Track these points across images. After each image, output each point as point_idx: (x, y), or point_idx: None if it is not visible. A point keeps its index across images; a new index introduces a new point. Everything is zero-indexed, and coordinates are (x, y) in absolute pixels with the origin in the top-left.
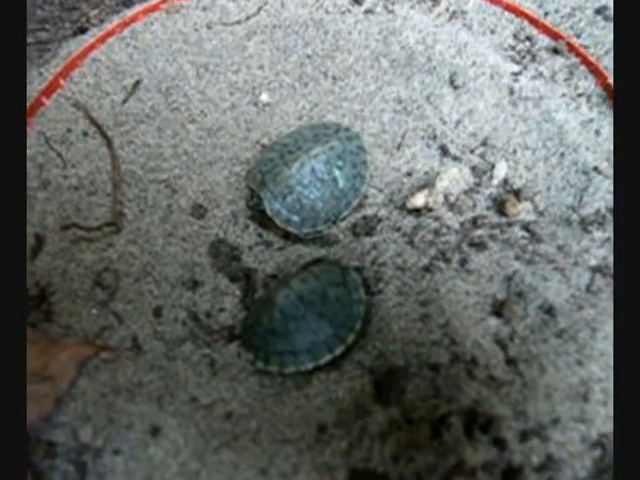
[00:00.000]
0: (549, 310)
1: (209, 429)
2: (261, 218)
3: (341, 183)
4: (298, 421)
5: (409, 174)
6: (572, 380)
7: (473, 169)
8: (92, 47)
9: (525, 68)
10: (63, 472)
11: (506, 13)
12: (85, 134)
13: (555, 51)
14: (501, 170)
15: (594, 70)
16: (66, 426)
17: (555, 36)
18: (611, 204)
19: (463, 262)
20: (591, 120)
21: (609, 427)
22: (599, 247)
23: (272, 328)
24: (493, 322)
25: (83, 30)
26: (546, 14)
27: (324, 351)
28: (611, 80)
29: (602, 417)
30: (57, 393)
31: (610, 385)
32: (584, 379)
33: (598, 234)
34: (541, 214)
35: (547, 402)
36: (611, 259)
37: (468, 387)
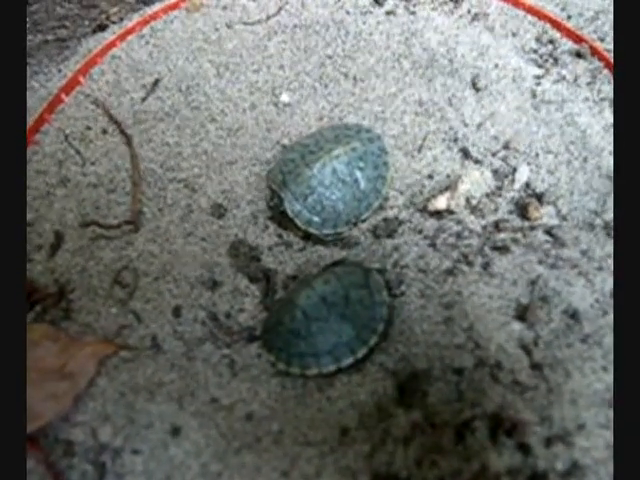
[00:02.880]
0: (574, 315)
1: (230, 430)
2: (281, 219)
3: (362, 184)
4: (320, 423)
5: (430, 177)
6: (598, 386)
7: (495, 172)
8: (112, 45)
9: (548, 72)
10: (82, 472)
11: (529, 16)
12: (104, 132)
13: (578, 55)
14: (523, 174)
15: None
16: (85, 425)
17: (578, 40)
18: None
19: (486, 265)
20: None
21: None
22: None
23: (294, 329)
24: (517, 326)
25: (103, 28)
26: (569, 17)
27: (346, 353)
28: None
29: None
30: (76, 391)
31: None
32: (610, 385)
33: None
34: (564, 218)
35: (572, 408)
36: None
37: (493, 391)
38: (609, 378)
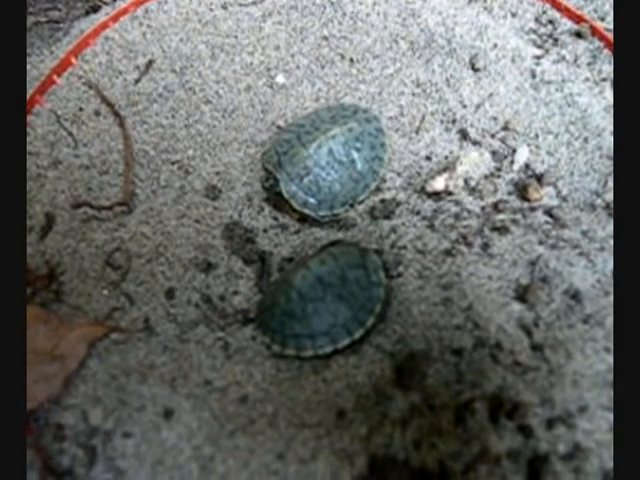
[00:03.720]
0: (575, 295)
1: (224, 413)
2: (277, 200)
3: (359, 165)
4: (316, 406)
5: (428, 158)
6: (600, 367)
7: (494, 154)
8: (105, 25)
9: (547, 52)
10: (72, 456)
11: None
12: (97, 113)
13: (578, 35)
14: (522, 155)
15: None
16: (76, 408)
17: (578, 19)
18: None
19: (485, 246)
20: None
21: None
22: None
23: (289, 310)
24: (517, 307)
25: (96, 9)
26: None
27: (343, 334)
28: None
29: None
30: (66, 373)
31: None
32: (612, 366)
33: None
34: (564, 199)
35: (574, 389)
36: None
37: (493, 372)
38: (611, 359)
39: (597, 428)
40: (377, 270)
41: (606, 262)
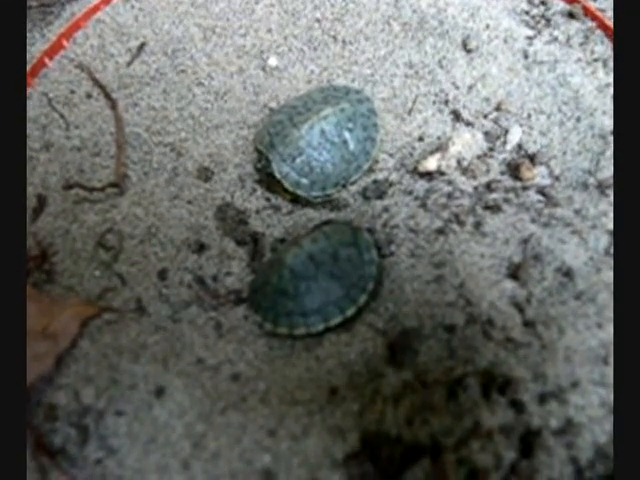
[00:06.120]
0: (567, 272)
1: (216, 390)
2: (269, 181)
3: (352, 146)
4: (308, 383)
5: (421, 139)
6: (592, 343)
7: (486, 134)
8: (96, 8)
9: (540, 33)
10: (64, 435)
11: None
12: (89, 96)
13: (570, 15)
14: (515, 135)
15: (611, 34)
16: (68, 388)
17: (570, 0)
18: None
19: (477, 225)
20: (608, 85)
21: None
22: None
23: (281, 288)
24: (509, 284)
25: None
26: None
27: (335, 312)
28: None
29: None
30: (58, 351)
31: None
32: (604, 342)
33: None
34: (557, 178)
35: (566, 365)
36: None
37: (485, 348)
38: (603, 334)
39: (589, 403)
40: (369, 248)
41: (598, 240)
